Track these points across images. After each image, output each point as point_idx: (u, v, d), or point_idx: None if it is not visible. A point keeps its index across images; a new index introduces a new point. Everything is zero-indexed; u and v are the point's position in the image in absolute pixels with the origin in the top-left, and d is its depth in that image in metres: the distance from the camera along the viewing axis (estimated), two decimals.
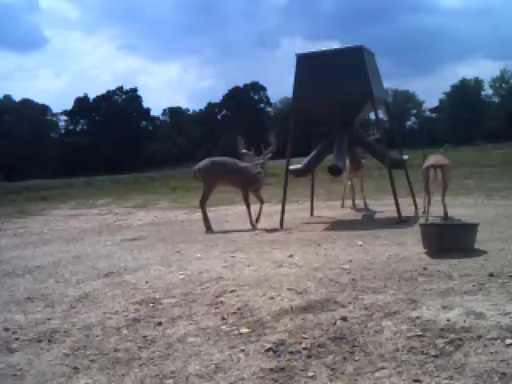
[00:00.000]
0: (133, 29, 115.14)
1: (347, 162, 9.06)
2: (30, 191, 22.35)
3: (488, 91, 61.06)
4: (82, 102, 61.96)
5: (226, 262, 5.57)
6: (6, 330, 3.75)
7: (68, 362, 3.09)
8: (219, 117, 64.81)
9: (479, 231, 5.35)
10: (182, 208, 13.13)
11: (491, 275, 4.13)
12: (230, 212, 11.12)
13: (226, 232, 8.02)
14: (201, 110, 66.44)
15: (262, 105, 65.83)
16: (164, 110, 68.17)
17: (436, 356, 2.70)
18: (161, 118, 67.25)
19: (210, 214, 8.93)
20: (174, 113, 67.13)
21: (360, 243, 6.08)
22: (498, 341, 2.80)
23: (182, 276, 5.02)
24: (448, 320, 3.17)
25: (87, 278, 5.32)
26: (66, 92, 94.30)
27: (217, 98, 79.64)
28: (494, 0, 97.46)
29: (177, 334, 3.40)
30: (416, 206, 8.98)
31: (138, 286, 4.77)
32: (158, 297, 4.34)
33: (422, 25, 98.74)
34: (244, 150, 8.38)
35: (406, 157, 8.87)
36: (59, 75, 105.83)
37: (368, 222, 8.49)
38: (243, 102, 61.77)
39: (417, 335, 2.99)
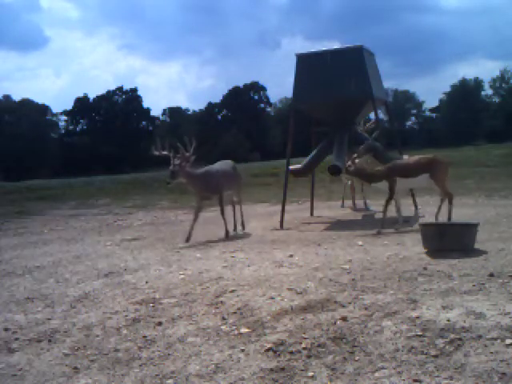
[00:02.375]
0: (133, 29, 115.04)
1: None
2: (30, 191, 22.29)
3: (488, 91, 61.03)
4: (82, 102, 61.91)
5: (226, 262, 5.57)
6: (6, 330, 3.76)
7: (68, 361, 3.09)
8: (219, 117, 64.76)
9: (479, 231, 5.35)
10: (181, 208, 13.12)
11: (491, 275, 4.13)
12: (230, 212, 11.10)
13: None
14: (201, 109, 66.41)
15: (262, 105, 65.81)
16: (164, 109, 68.17)
17: (436, 356, 2.70)
18: (161, 117, 67.24)
19: (210, 214, 8.94)
20: (174, 113, 67.10)
21: (360, 243, 6.08)
22: (498, 341, 2.80)
23: (182, 276, 5.02)
24: (448, 320, 3.17)
25: (87, 277, 5.32)
26: (65, 92, 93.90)
27: (217, 98, 79.56)
28: (495, 0, 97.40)
29: (177, 333, 3.40)
30: (416, 205, 8.98)
31: (137, 286, 4.77)
32: (157, 297, 4.34)
33: (422, 25, 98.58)
34: (164, 152, 7.39)
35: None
36: (59, 75, 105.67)
37: (368, 221, 8.49)
38: (243, 102, 61.74)
39: (417, 335, 2.99)
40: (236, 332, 3.33)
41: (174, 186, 8.35)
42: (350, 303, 3.71)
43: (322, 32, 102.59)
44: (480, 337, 2.88)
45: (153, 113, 65.14)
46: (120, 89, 63.88)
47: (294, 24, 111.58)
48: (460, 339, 2.87)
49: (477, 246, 5.24)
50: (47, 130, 61.29)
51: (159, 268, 5.51)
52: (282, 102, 63.52)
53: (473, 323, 3.09)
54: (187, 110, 69.83)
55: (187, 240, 7.17)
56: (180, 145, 7.25)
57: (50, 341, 3.47)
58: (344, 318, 3.37)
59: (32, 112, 57.45)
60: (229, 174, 8.00)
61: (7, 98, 60.39)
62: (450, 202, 6.95)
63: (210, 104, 65.09)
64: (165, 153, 7.36)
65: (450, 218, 6.83)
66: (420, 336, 2.97)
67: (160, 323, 3.64)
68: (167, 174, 7.26)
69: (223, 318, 3.62)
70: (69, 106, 63.37)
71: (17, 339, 3.55)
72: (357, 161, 7.40)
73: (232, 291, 4.29)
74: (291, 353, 2.91)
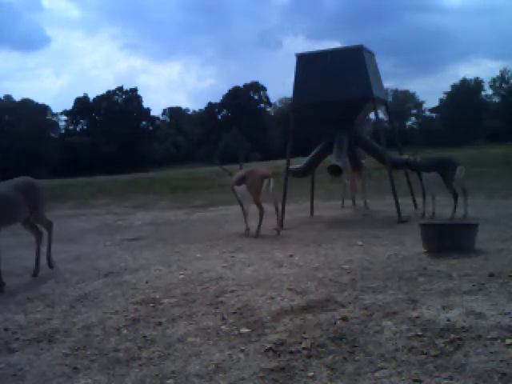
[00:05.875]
0: (134, 29, 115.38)
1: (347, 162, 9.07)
2: None
3: (488, 91, 61.04)
4: (82, 102, 61.99)
5: (226, 262, 5.57)
6: (6, 330, 3.75)
7: (68, 362, 3.08)
8: (219, 117, 64.78)
9: (479, 231, 5.35)
10: (181, 208, 13.11)
11: (491, 275, 4.13)
12: (230, 212, 11.10)
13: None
14: (201, 110, 66.54)
15: (262, 105, 65.86)
16: (164, 109, 68.36)
17: (436, 356, 2.70)
18: (161, 117, 67.30)
19: (210, 214, 8.92)
20: (174, 113, 67.21)
21: (360, 243, 6.08)
22: (498, 341, 2.80)
23: (182, 276, 5.02)
24: (448, 320, 3.17)
25: (87, 277, 5.32)
26: (66, 92, 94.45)
27: (217, 97, 79.55)
28: (496, 0, 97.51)
29: (177, 334, 3.40)
30: (416, 206, 9.00)
31: (137, 286, 4.77)
32: (158, 297, 4.33)
33: (422, 25, 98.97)
34: None
35: (405, 157, 8.89)
36: (60, 75, 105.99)
37: (368, 221, 8.49)
38: (243, 102, 61.76)
39: (417, 335, 2.99)
40: (236, 332, 3.33)
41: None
42: (350, 303, 3.71)
43: (323, 32, 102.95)
44: (480, 337, 2.88)
45: (153, 113, 65.28)
46: (120, 89, 63.95)
47: (295, 24, 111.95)
48: (460, 339, 2.87)
49: (477, 246, 5.24)
50: (47, 130, 61.34)
51: (159, 268, 5.50)
52: (281, 101, 63.61)
53: (473, 323, 3.09)
54: (187, 110, 70.01)
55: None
56: None
57: (50, 341, 3.47)
58: (344, 318, 3.37)
59: (32, 112, 57.50)
60: (19, 197, 5.42)
61: (8, 97, 60.46)
62: (245, 214, 7.43)
63: (210, 104, 65.17)
64: None
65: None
66: (420, 336, 2.97)
67: (160, 323, 3.64)
68: None
69: (223, 318, 3.62)
70: (69, 106, 63.50)
71: (17, 339, 3.55)
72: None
73: (232, 291, 4.29)
74: (291, 353, 2.91)
